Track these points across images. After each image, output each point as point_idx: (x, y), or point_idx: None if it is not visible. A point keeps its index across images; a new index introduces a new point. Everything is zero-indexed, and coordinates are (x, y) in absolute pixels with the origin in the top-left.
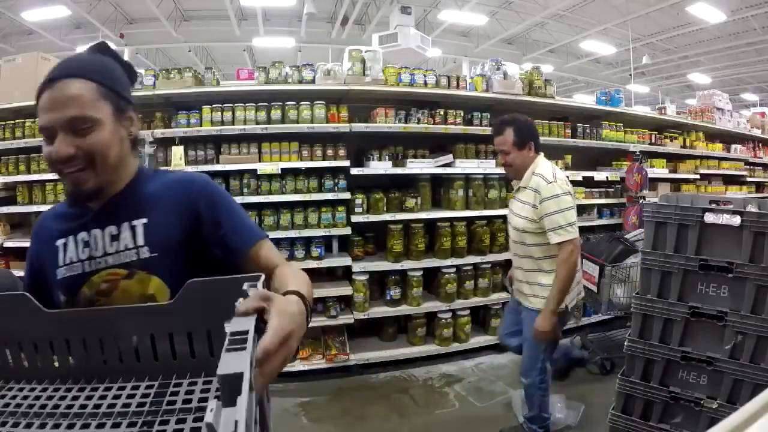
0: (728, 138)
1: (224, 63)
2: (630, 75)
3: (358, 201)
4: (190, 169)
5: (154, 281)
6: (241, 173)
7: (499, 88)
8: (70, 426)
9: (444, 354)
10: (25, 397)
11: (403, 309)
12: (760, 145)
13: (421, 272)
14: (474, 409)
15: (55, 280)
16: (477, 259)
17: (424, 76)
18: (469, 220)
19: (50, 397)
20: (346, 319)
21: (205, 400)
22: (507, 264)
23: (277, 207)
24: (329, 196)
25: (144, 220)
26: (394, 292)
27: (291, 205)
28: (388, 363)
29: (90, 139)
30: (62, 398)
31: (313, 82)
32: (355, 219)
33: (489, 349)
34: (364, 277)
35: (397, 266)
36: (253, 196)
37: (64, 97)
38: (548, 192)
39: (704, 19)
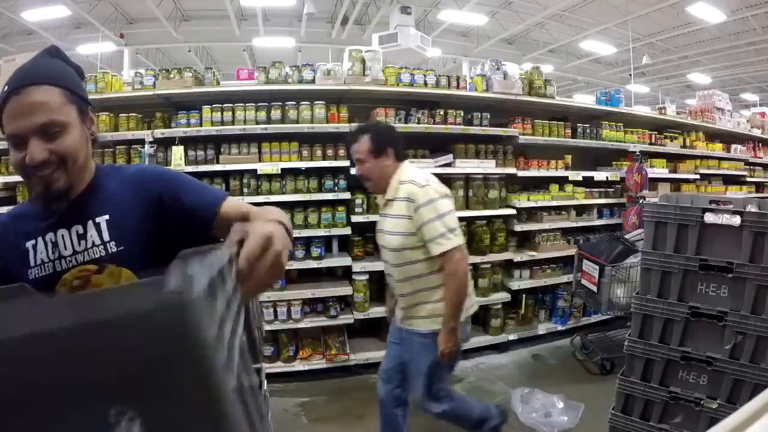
0: (728, 138)
1: (224, 63)
2: (630, 75)
3: (358, 201)
4: (190, 169)
5: (124, 273)
6: (241, 173)
7: (499, 88)
8: None
9: None
10: None
11: None
12: (760, 145)
13: None
14: None
15: (27, 280)
16: (477, 259)
17: (424, 76)
18: (469, 220)
19: None
20: (346, 319)
21: None
22: (507, 264)
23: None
24: (329, 196)
25: (106, 217)
26: None
27: (291, 205)
28: None
29: (61, 142)
30: None
31: (313, 82)
32: (355, 219)
33: (489, 349)
34: (364, 277)
35: None
36: (253, 196)
37: (32, 104)
38: (423, 197)
39: (704, 19)
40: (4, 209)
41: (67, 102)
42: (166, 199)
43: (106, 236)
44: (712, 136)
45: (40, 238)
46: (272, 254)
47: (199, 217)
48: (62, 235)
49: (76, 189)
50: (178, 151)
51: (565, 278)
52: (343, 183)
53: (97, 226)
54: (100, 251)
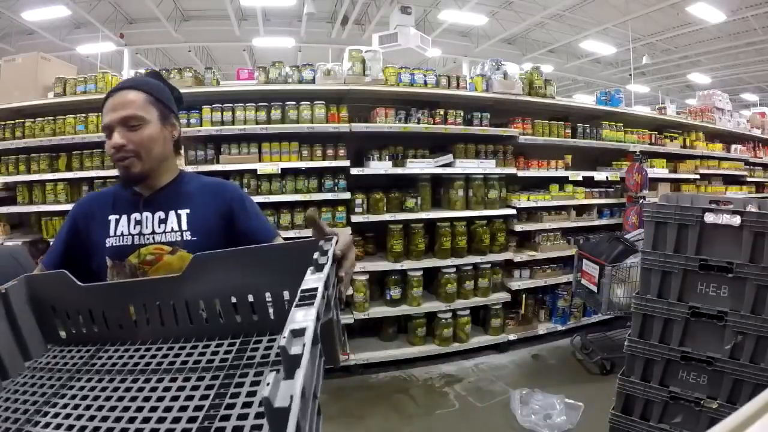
0: (728, 138)
1: (224, 63)
2: (630, 75)
3: (358, 201)
4: (190, 169)
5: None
6: (241, 173)
7: (499, 88)
8: (159, 380)
9: (444, 354)
10: (120, 357)
11: (403, 309)
12: (760, 145)
13: (421, 272)
14: (474, 409)
15: (103, 247)
16: (477, 259)
17: (424, 76)
18: (469, 220)
19: (142, 356)
20: (346, 319)
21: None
22: (507, 264)
23: (277, 207)
24: (329, 196)
25: (187, 210)
26: (394, 292)
27: (291, 205)
28: (388, 363)
29: (138, 133)
30: (153, 356)
31: (313, 82)
32: (355, 219)
33: (489, 349)
34: (364, 277)
35: (397, 266)
36: (253, 196)
37: (121, 101)
38: None
39: (704, 19)
40: (4, 209)
41: (149, 104)
42: (234, 213)
43: (184, 226)
44: (712, 136)
45: (124, 216)
46: (351, 257)
47: (258, 238)
48: (146, 216)
49: (156, 181)
50: None
51: (565, 278)
52: (343, 183)
53: (178, 216)
54: (176, 236)
